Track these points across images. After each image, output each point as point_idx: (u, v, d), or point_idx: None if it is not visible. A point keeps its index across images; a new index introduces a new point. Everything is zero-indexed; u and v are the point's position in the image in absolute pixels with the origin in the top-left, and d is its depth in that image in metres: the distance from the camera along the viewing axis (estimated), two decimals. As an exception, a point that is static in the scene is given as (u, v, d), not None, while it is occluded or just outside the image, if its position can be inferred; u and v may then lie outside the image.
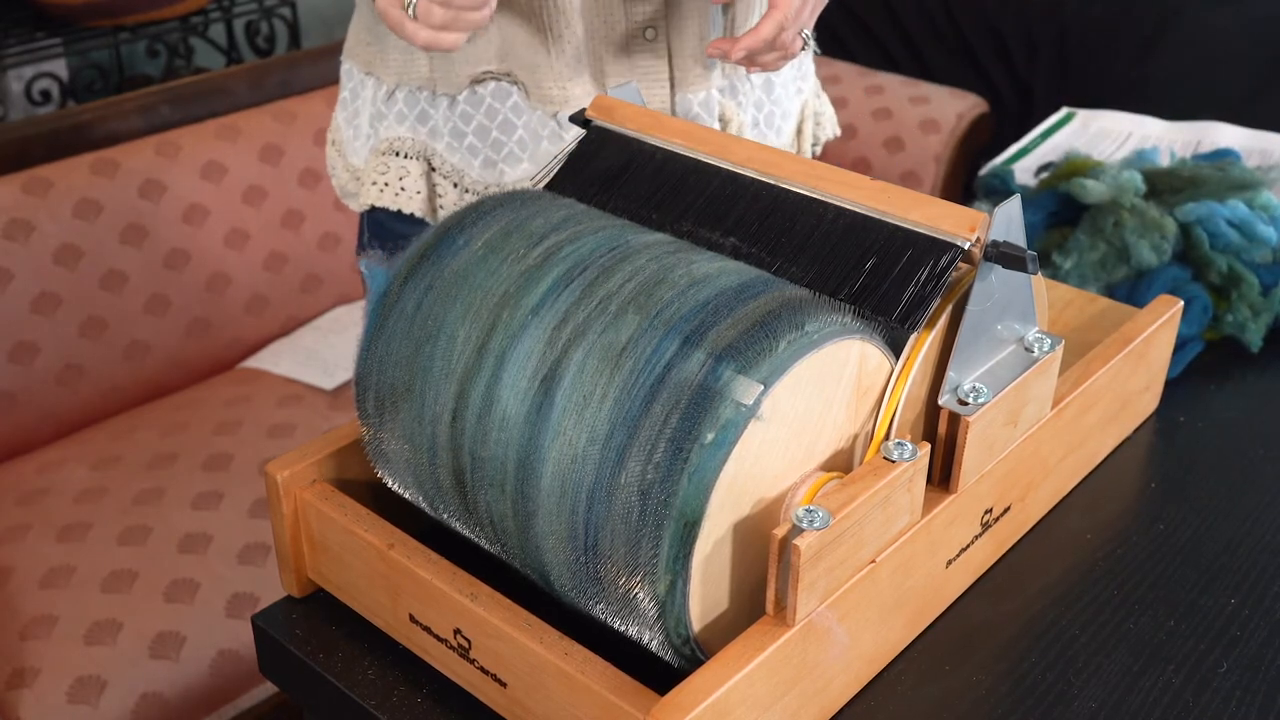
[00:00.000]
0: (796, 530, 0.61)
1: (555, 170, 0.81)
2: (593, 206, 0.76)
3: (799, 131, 1.15)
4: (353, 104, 1.07)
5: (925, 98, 2.30)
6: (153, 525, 1.53)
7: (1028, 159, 1.34)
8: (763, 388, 0.58)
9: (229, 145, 1.88)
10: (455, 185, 1.01)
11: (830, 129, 1.19)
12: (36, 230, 1.66)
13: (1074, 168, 1.13)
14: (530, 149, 0.99)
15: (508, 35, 0.97)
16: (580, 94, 0.98)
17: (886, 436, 0.68)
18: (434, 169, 1.01)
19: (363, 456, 0.75)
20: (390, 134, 1.01)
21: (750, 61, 0.92)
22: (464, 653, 0.68)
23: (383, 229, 1.06)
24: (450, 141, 1.00)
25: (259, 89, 1.95)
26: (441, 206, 1.02)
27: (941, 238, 0.67)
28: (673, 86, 1.00)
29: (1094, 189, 1.07)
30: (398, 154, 1.01)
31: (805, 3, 0.90)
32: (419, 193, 1.01)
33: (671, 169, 0.77)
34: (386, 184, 1.01)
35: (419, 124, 1.00)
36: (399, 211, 1.03)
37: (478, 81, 0.99)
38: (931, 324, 0.68)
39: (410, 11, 0.79)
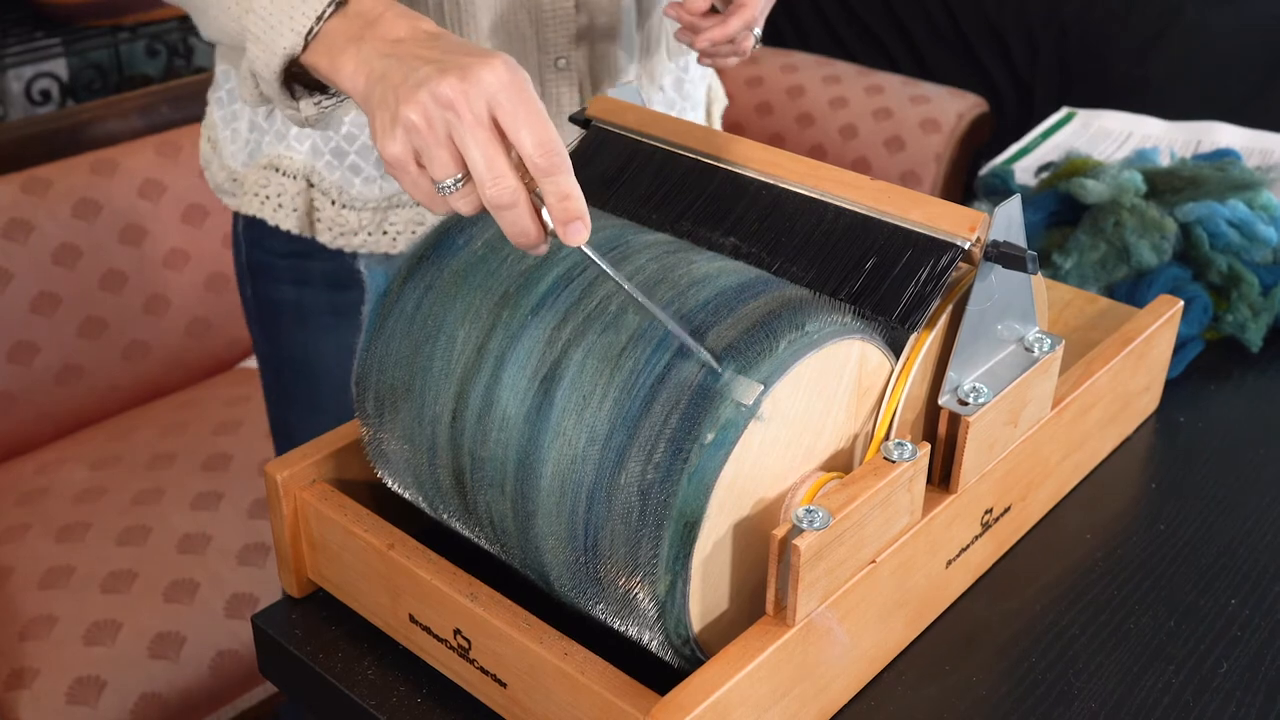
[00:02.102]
0: (796, 530, 0.60)
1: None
2: (593, 206, 0.75)
3: (707, 115, 1.13)
4: (230, 105, 1.03)
5: (925, 98, 2.30)
6: (152, 525, 1.53)
7: (1028, 159, 1.34)
8: (763, 388, 0.58)
9: (229, 145, 1.87)
10: (334, 202, 0.98)
11: (721, 103, 1.16)
12: (36, 230, 1.66)
13: (1074, 168, 1.13)
14: None
15: None
16: None
17: (886, 436, 0.68)
18: (313, 185, 0.98)
19: (363, 456, 0.75)
20: (272, 150, 0.99)
21: (709, 54, 0.90)
22: (464, 653, 0.68)
23: (261, 228, 1.04)
24: (331, 160, 0.97)
25: (259, 89, 1.95)
26: (319, 219, 0.99)
27: (941, 238, 0.67)
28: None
29: (1094, 189, 1.07)
30: (278, 170, 0.98)
31: (767, 4, 0.89)
32: (295, 210, 0.99)
33: (671, 169, 0.77)
34: (268, 197, 0.99)
35: (297, 143, 0.97)
36: (276, 226, 1.01)
37: None
38: (931, 324, 0.68)
39: (443, 187, 0.63)
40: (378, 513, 0.73)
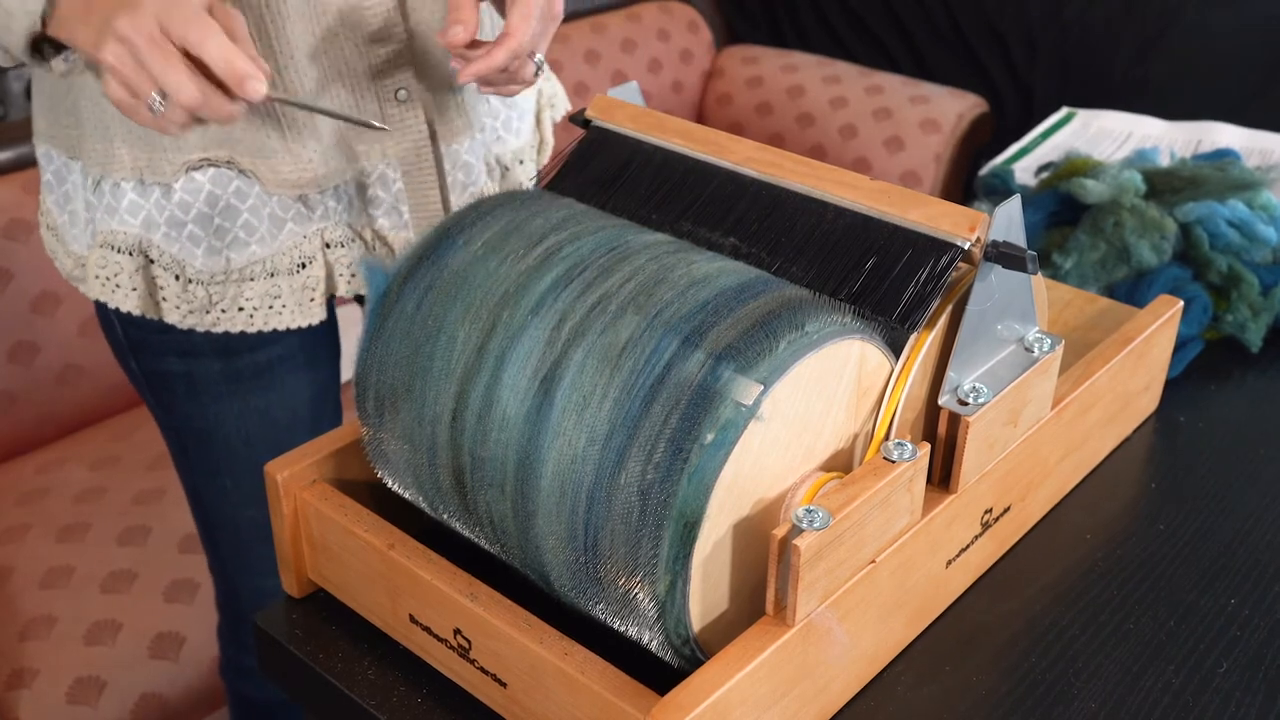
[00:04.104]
0: (796, 530, 0.61)
1: (555, 170, 0.81)
2: (593, 206, 0.76)
3: (538, 122, 1.10)
4: (60, 188, 0.98)
5: (925, 98, 2.30)
6: (152, 525, 1.53)
7: (1028, 159, 1.34)
8: (763, 388, 0.58)
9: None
10: (177, 277, 0.93)
11: (562, 107, 1.13)
12: (36, 230, 1.66)
13: (1074, 168, 1.13)
14: (260, 232, 0.93)
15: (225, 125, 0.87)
16: (331, 171, 0.92)
17: (886, 436, 0.68)
18: (152, 260, 0.93)
19: (363, 456, 0.75)
20: (104, 226, 0.93)
21: (485, 85, 0.87)
22: (464, 653, 0.68)
23: (128, 319, 0.99)
24: (168, 231, 0.92)
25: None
26: (164, 299, 0.94)
27: (941, 238, 0.67)
28: (435, 141, 0.96)
29: (1094, 189, 1.07)
30: (113, 248, 0.93)
31: (541, 32, 0.86)
32: (134, 289, 0.94)
33: (671, 169, 0.77)
34: (109, 278, 0.94)
35: (129, 216, 0.92)
36: (117, 309, 0.96)
37: (194, 168, 0.91)
38: (931, 324, 0.68)
39: (153, 108, 0.74)
40: (378, 513, 0.73)
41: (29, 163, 1.70)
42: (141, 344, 1.01)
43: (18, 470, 1.66)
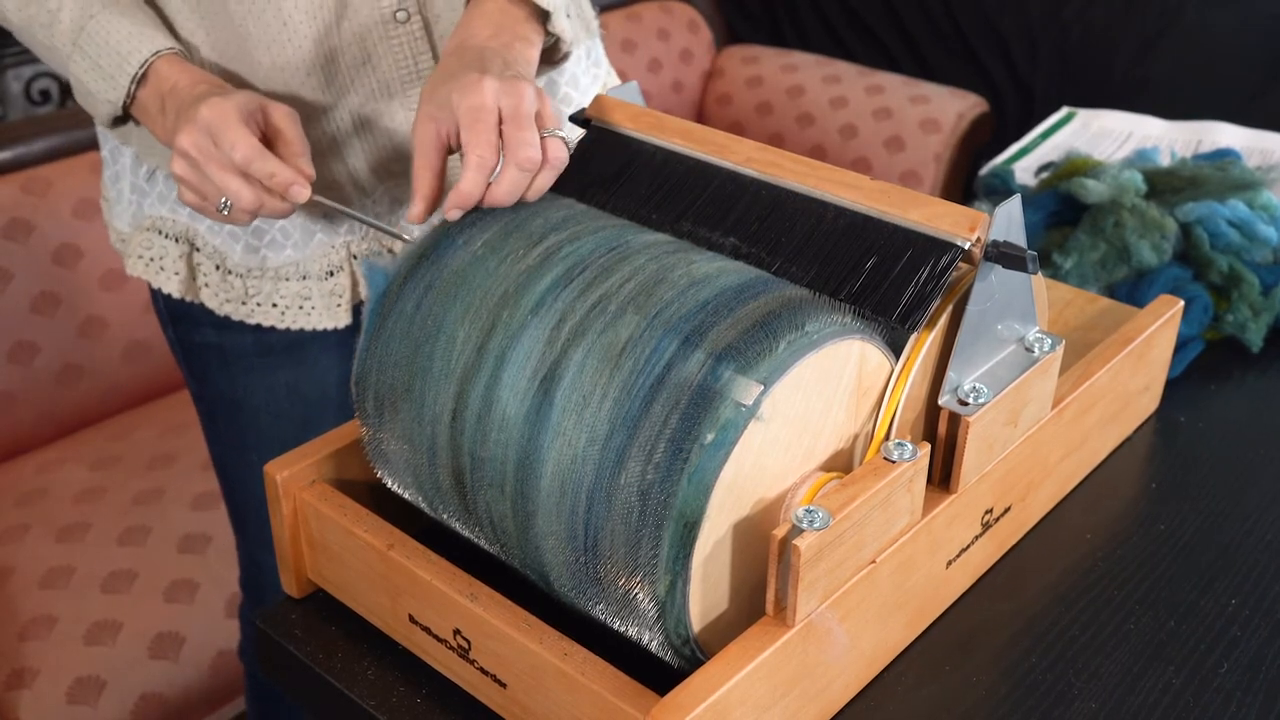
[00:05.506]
0: (796, 530, 0.60)
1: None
2: (593, 206, 0.75)
3: None
4: (113, 166, 1.02)
5: (925, 97, 2.30)
6: (152, 525, 1.53)
7: (1028, 159, 1.34)
8: (763, 388, 0.58)
9: (229, 145, 1.87)
10: (218, 267, 0.98)
11: None
12: (36, 230, 1.65)
13: (1074, 167, 1.13)
14: (295, 237, 0.96)
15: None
16: (352, 190, 0.95)
17: (886, 437, 0.68)
18: (197, 249, 0.98)
19: (363, 456, 0.75)
20: (154, 212, 0.98)
21: (492, 203, 0.74)
22: (464, 653, 0.68)
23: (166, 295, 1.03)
24: (212, 225, 0.96)
25: (259, 89, 1.94)
26: (206, 285, 0.99)
27: (942, 237, 0.67)
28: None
29: (1094, 189, 1.07)
30: (160, 233, 0.98)
31: (519, 127, 0.73)
32: (177, 274, 0.98)
33: (671, 169, 0.77)
34: (151, 259, 0.99)
35: (179, 206, 0.97)
36: (159, 289, 1.00)
37: None
38: (932, 324, 0.68)
39: (221, 210, 0.81)
40: (378, 513, 0.73)
41: (29, 162, 1.70)
42: (180, 315, 1.04)
43: (17, 470, 1.65)
